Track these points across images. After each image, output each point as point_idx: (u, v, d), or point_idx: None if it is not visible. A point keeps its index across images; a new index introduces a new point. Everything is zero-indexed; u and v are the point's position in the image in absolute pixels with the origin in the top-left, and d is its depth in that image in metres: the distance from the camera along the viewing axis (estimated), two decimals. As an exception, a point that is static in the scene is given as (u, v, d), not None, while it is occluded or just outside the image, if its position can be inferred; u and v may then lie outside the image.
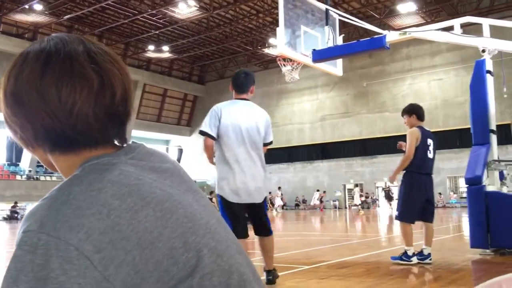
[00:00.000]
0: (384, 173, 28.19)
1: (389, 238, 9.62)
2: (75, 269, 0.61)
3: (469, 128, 6.49)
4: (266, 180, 4.25)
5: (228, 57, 36.40)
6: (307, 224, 16.38)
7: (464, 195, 23.26)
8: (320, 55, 7.52)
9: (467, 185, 6.03)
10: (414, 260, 5.10)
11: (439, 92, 30.11)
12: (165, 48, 33.18)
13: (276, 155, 35.25)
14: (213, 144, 4.11)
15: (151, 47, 33.00)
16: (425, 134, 5.47)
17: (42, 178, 31.06)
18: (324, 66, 8.17)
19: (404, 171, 5.42)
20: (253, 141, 4.07)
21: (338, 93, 33.90)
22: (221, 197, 4.02)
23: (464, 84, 27.97)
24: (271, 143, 4.33)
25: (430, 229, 5.33)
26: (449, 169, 28.72)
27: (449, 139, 28.52)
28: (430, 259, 5.16)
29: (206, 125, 4.06)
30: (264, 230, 4.16)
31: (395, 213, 5.53)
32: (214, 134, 4.03)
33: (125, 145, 0.81)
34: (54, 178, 31.39)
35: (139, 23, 29.29)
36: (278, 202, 31.58)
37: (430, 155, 5.49)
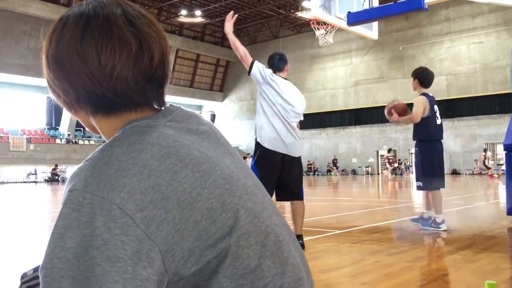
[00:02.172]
0: (419, 140, 27.70)
1: (422, 204, 9.54)
2: (119, 227, 0.64)
3: (509, 94, 6.28)
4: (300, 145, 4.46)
5: (261, 21, 35.92)
6: (339, 189, 16.41)
7: (502, 162, 22.69)
8: (355, 18, 7.33)
9: (506, 151, 5.89)
10: (443, 227, 5.07)
11: (478, 56, 29.00)
12: (198, 12, 32.99)
13: (308, 121, 35.05)
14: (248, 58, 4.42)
15: (183, 12, 32.86)
16: (432, 101, 5.37)
17: (80, 142, 31.98)
18: (359, 29, 7.98)
19: (418, 141, 5.39)
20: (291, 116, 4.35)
21: (372, 57, 33.13)
22: (257, 144, 4.27)
23: (506, 47, 26.82)
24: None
25: (438, 196, 5.25)
26: (487, 135, 27.98)
27: (488, 105, 27.69)
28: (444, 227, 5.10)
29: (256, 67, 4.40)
30: (296, 194, 4.28)
31: (416, 183, 5.41)
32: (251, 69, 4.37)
33: (163, 108, 0.83)
34: (92, 142, 32.29)
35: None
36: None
37: (439, 121, 5.45)
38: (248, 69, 4.37)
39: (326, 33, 15.34)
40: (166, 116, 0.80)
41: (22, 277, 0.89)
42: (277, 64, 4.60)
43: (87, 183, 0.66)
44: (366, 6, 7.39)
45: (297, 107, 4.37)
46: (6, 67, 28.13)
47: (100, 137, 28.44)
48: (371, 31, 8.29)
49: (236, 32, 39.14)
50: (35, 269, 0.89)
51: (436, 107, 5.42)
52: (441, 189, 5.33)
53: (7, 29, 27.69)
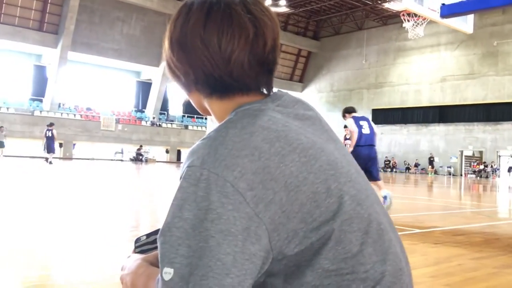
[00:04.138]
0: (510, 141, 25.97)
1: (510, 210, 9.01)
2: (231, 203, 0.68)
3: None
4: None
5: (346, 12, 35.21)
6: (417, 188, 15.84)
7: None
8: (449, 10, 7.01)
9: None
10: None
11: None
12: (282, 2, 32.99)
13: (389, 116, 34.08)
14: None
15: (268, 1, 33.03)
16: (357, 119, 7.11)
17: (163, 125, 33.37)
18: (452, 22, 7.63)
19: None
20: None
21: (463, 52, 31.35)
22: None
23: None
24: None
25: None
26: None
27: None
28: None
29: None
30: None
31: None
32: None
33: (271, 93, 0.86)
34: (174, 126, 33.63)
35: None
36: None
37: (365, 131, 7.15)
38: None
39: (416, 25, 14.72)
40: (274, 101, 0.82)
41: (136, 241, 0.95)
42: None
43: (204, 160, 0.71)
44: (462, -2, 7.03)
45: None
46: (101, 51, 29.93)
47: (182, 121, 29.55)
48: (465, 24, 7.89)
49: (320, 22, 38.80)
50: (148, 235, 0.94)
51: (361, 121, 7.19)
52: None
53: (103, 15, 29.41)
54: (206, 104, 0.87)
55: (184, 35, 0.81)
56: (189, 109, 36.80)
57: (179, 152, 33.41)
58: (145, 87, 34.17)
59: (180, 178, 0.73)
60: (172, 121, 34.64)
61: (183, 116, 36.57)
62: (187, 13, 0.82)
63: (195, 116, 36.26)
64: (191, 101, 0.91)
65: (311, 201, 0.73)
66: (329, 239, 0.73)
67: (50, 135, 19.69)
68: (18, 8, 27.11)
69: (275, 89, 0.87)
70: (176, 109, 36.65)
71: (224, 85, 0.81)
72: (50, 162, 19.57)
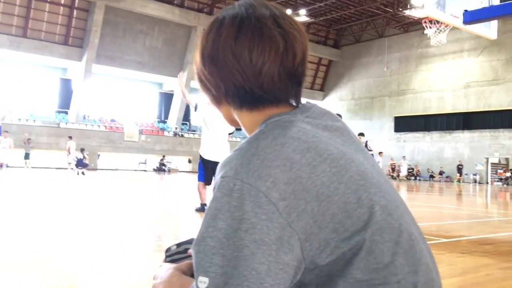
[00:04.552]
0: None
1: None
2: (264, 213, 0.69)
3: None
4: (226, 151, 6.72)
5: (366, 20, 35.09)
6: (442, 196, 15.58)
7: None
8: (472, 16, 6.94)
9: None
10: None
11: None
12: (302, 11, 33.07)
13: (411, 124, 33.69)
14: (193, 102, 7.02)
15: (288, 11, 33.08)
16: None
17: (186, 135, 33.66)
18: (475, 28, 7.55)
19: None
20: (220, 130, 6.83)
21: (487, 58, 30.84)
22: (200, 155, 6.96)
23: None
24: (232, 132, 7.05)
25: None
26: None
27: None
28: None
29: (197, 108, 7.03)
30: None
31: None
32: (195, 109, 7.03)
33: (300, 104, 0.87)
34: (196, 136, 33.86)
35: (278, -13, 29.47)
36: (403, 170, 31.47)
37: None
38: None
39: (438, 32, 14.58)
40: (303, 112, 0.84)
41: (167, 251, 0.97)
42: None
43: (237, 171, 0.73)
44: (485, 4, 6.96)
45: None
46: (124, 63, 30.45)
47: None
48: (489, 30, 7.80)
49: (340, 31, 38.71)
50: (178, 245, 0.97)
51: None
52: None
53: (126, 28, 29.96)
54: (236, 116, 0.89)
55: (215, 49, 0.83)
56: (210, 119, 37.04)
57: (201, 162, 33.60)
58: (167, 98, 34.57)
59: (214, 189, 0.75)
60: (194, 131, 34.91)
61: (205, 126, 36.81)
62: (219, 28, 0.84)
63: (217, 126, 36.45)
64: (221, 113, 0.92)
65: (343, 211, 0.74)
66: (360, 249, 0.73)
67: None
68: (44, 23, 27.82)
69: (303, 101, 0.89)
70: (197, 119, 36.91)
71: (254, 97, 0.83)
72: (83, 173, 20.08)
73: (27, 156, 21.58)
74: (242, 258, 0.68)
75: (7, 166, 19.94)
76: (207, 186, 6.94)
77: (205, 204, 6.85)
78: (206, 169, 6.82)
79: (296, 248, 0.71)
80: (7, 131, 19.98)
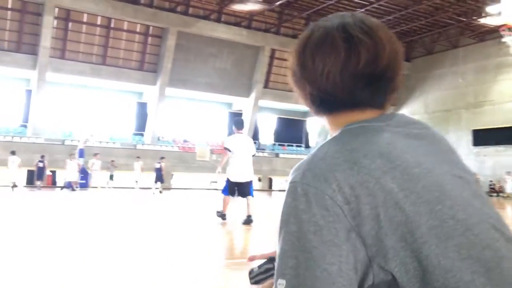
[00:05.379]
0: None
1: None
2: (331, 215, 0.71)
3: None
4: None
5: (438, 31, 33.92)
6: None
7: None
8: (555, 22, 6.51)
9: None
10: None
11: None
12: (370, 26, 32.57)
13: (492, 136, 31.84)
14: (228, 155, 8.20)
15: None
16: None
17: (281, 155, 33.98)
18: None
19: None
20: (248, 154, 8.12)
21: None
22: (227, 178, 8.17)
23: None
24: (254, 155, 8.35)
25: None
26: None
27: None
28: None
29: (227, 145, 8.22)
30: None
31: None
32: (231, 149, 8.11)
33: (384, 113, 0.87)
34: (265, 154, 34.15)
35: (344, 3, 29.39)
36: (509, 187, 29.11)
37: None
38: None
39: (517, 40, 13.78)
40: (385, 120, 0.84)
41: (250, 273, 1.01)
42: (240, 125, 8.37)
43: (304, 175, 0.76)
44: None
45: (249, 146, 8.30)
46: (195, 86, 31.51)
47: (273, 149, 29.61)
48: None
49: (410, 43, 37.68)
50: (259, 266, 1.00)
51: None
52: None
53: (197, 52, 31.06)
54: (326, 122, 0.92)
55: (292, 63, 0.90)
56: (279, 138, 37.21)
57: (270, 180, 33.75)
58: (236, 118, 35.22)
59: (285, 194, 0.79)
60: (263, 149, 35.22)
61: (274, 144, 37.05)
62: (304, 45, 0.89)
63: (286, 144, 36.57)
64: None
65: (412, 221, 0.72)
66: (432, 265, 0.70)
67: (159, 167, 21.52)
68: (122, 50, 29.52)
69: (393, 111, 0.89)
70: (266, 137, 37.26)
71: (324, 102, 0.87)
72: (160, 192, 21.00)
73: (111, 178, 22.99)
74: (312, 259, 0.70)
75: (89, 187, 21.21)
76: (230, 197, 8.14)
77: (223, 213, 8.05)
78: (230, 186, 8.07)
79: (361, 252, 0.71)
80: (98, 153, 21.60)
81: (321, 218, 0.71)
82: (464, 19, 30.56)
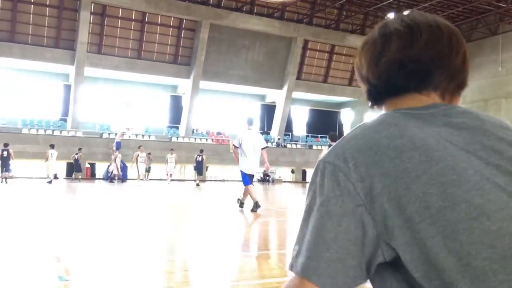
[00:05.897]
0: None
1: None
2: (340, 189, 0.77)
3: None
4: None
5: (476, 18, 32.84)
6: None
7: None
8: None
9: None
10: None
11: None
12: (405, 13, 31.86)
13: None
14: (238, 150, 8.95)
15: (390, 15, 32.18)
16: None
17: (288, 145, 33.94)
18: None
19: None
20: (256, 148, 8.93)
21: None
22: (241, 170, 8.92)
23: None
24: (266, 147, 9.30)
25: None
26: None
27: None
28: None
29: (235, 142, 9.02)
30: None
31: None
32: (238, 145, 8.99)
33: (443, 103, 0.88)
34: (299, 146, 34.04)
35: (378, -9, 28.79)
36: None
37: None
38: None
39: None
40: (430, 108, 0.85)
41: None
42: (250, 123, 9.38)
43: (329, 154, 0.82)
44: None
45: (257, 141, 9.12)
46: (228, 78, 31.67)
47: (306, 141, 29.48)
48: None
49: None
50: None
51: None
52: None
53: (229, 44, 31.18)
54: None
55: (356, 63, 0.97)
56: (312, 129, 37.01)
57: (304, 172, 33.67)
58: (269, 110, 35.23)
59: None
60: (297, 141, 35.12)
61: (307, 136, 36.88)
62: (360, 47, 0.97)
63: (319, 135, 36.35)
64: None
65: (421, 201, 0.72)
66: (440, 246, 0.70)
67: (200, 159, 22.17)
68: (156, 44, 29.96)
69: (443, 103, 0.88)
70: (300, 129, 37.14)
71: (378, 94, 0.92)
72: (197, 184, 21.43)
73: (148, 170, 23.56)
74: (315, 227, 0.77)
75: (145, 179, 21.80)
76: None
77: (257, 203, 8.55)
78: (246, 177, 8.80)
79: (368, 227, 0.74)
80: (141, 146, 22.32)
81: (331, 191, 0.77)
82: (504, 5, 29.47)
